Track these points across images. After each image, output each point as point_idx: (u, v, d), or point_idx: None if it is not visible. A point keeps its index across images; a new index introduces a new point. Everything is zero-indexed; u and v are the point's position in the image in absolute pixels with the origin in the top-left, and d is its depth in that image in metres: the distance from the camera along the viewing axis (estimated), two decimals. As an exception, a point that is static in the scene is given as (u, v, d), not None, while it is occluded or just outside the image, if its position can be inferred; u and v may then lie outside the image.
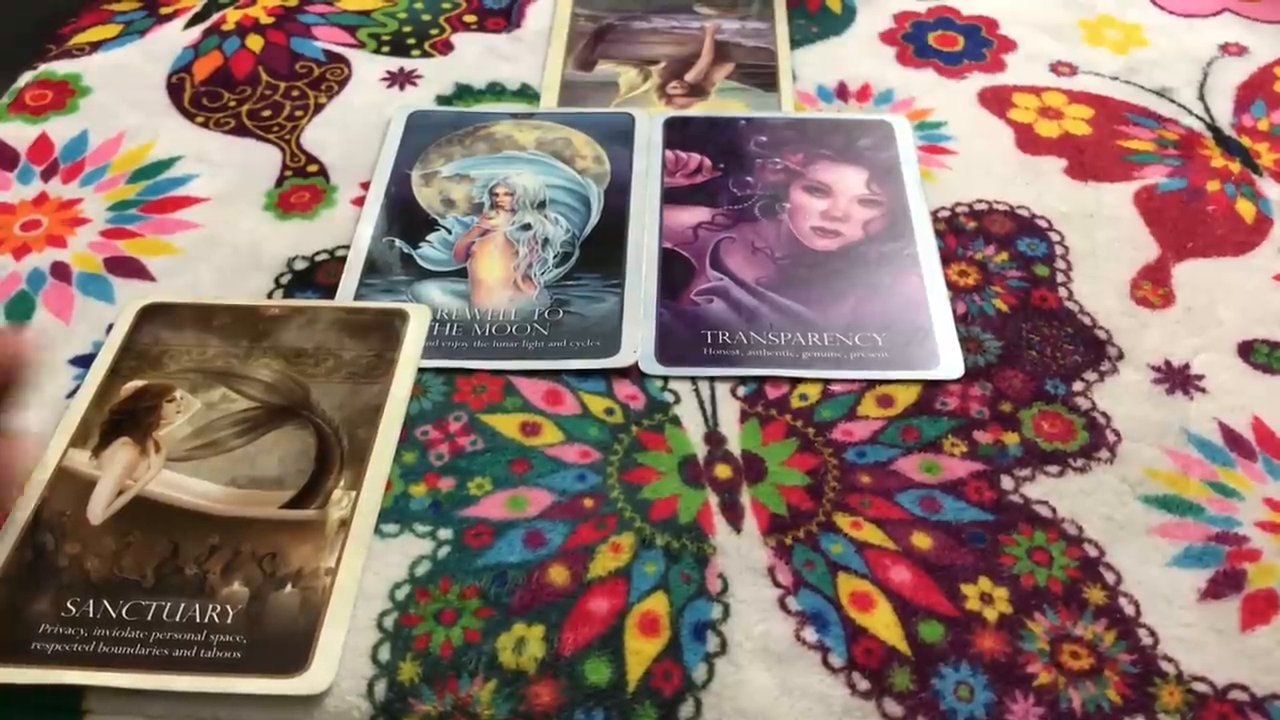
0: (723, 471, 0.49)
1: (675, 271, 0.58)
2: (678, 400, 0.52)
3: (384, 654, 0.43)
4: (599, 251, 0.59)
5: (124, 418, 0.51)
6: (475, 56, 0.73)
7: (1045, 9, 0.76)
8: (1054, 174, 0.64)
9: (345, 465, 0.49)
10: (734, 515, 0.47)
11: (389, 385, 0.52)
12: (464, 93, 0.70)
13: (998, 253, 0.59)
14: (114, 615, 0.43)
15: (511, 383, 0.53)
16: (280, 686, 0.42)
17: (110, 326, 0.55)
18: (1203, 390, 0.52)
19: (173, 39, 0.75)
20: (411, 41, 0.75)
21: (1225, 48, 0.73)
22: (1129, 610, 0.44)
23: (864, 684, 0.42)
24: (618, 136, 0.66)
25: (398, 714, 0.41)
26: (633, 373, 0.53)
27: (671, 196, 0.62)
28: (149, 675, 0.42)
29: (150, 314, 0.56)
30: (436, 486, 0.48)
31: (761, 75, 0.71)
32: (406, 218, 0.61)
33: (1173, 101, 0.68)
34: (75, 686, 0.42)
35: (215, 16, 0.76)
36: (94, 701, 0.42)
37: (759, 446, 0.50)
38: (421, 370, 0.53)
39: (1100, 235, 0.60)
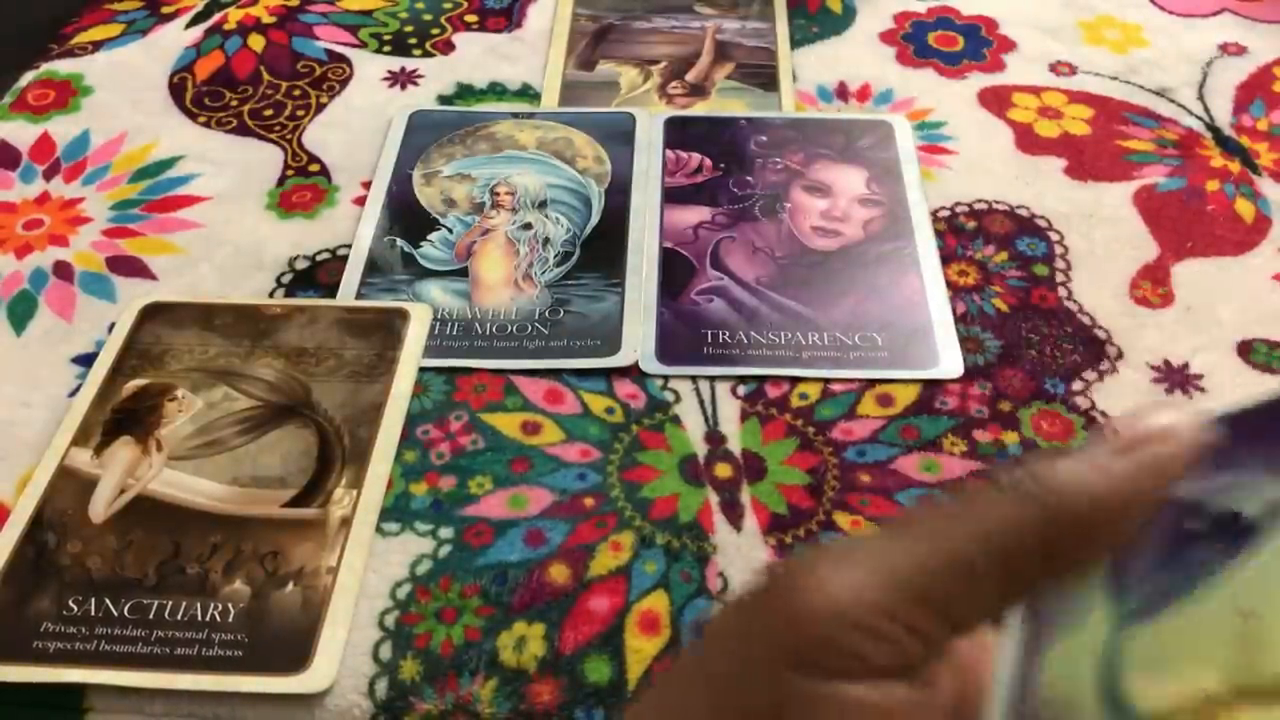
0: (723, 470, 0.49)
1: (675, 271, 0.58)
2: (678, 399, 0.52)
3: (385, 652, 0.43)
4: (599, 251, 0.59)
5: (126, 416, 0.51)
6: (476, 56, 0.74)
7: (1045, 9, 0.76)
8: (1054, 174, 0.64)
9: (346, 464, 0.49)
10: (734, 514, 0.48)
11: (390, 384, 0.52)
12: (465, 92, 0.71)
13: (997, 252, 0.59)
14: (115, 614, 0.44)
15: (512, 382, 0.53)
16: (281, 685, 0.42)
17: (112, 325, 0.55)
18: (1202, 390, 0.52)
19: (174, 38, 0.75)
20: (413, 41, 0.75)
21: (1224, 48, 0.73)
22: (1128, 609, 0.44)
23: (863, 682, 0.42)
24: (618, 136, 0.66)
25: (399, 712, 0.41)
26: (633, 372, 0.53)
27: (672, 196, 0.62)
28: (150, 674, 0.42)
29: (152, 313, 0.56)
30: (437, 485, 0.49)
31: (762, 75, 0.71)
32: (408, 217, 0.61)
33: (1172, 101, 0.69)
34: (77, 685, 0.42)
35: (217, 16, 0.77)
36: (95, 700, 0.42)
37: (759, 445, 0.50)
38: (422, 369, 0.53)
39: (1100, 235, 0.60)
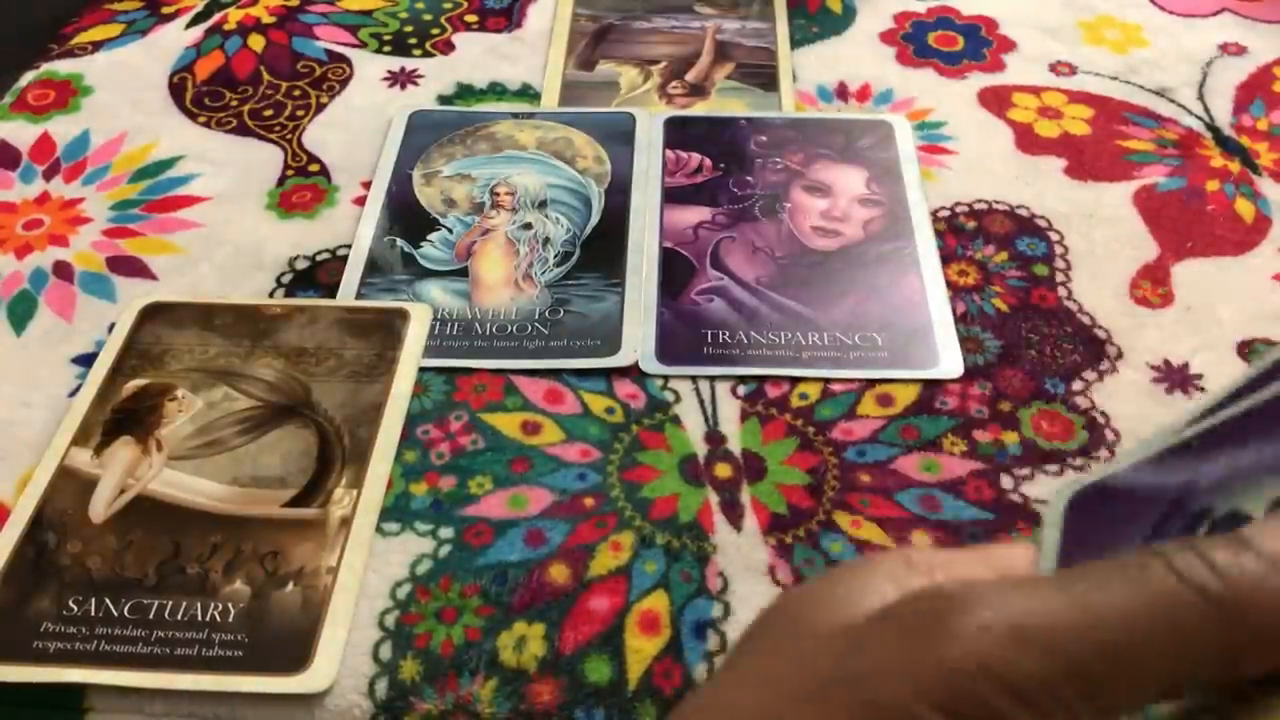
0: (723, 470, 0.49)
1: (675, 271, 0.58)
2: (678, 399, 0.52)
3: (385, 652, 0.43)
4: (599, 251, 0.59)
5: (126, 416, 0.51)
6: (476, 56, 0.74)
7: (1045, 9, 0.76)
8: (1053, 174, 0.64)
9: (346, 464, 0.49)
10: (734, 514, 0.48)
11: (390, 384, 0.52)
12: (465, 92, 0.71)
13: (997, 252, 0.59)
14: (116, 614, 0.44)
15: (512, 382, 0.53)
16: (281, 685, 0.42)
17: (112, 325, 0.55)
18: (1202, 389, 0.52)
19: (174, 38, 0.75)
20: (413, 41, 0.75)
21: (1224, 48, 0.73)
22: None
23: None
24: (618, 136, 0.66)
25: (399, 712, 0.41)
26: (633, 372, 0.53)
27: (672, 196, 0.62)
28: (150, 674, 0.42)
29: (152, 313, 0.56)
30: (437, 485, 0.49)
31: (762, 75, 0.71)
32: (408, 217, 0.61)
33: (1172, 101, 0.69)
34: (77, 685, 0.42)
35: (217, 16, 0.77)
36: (95, 700, 0.42)
37: (759, 445, 0.50)
38: (422, 369, 0.53)
39: (1100, 235, 0.60)
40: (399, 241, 0.60)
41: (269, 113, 0.69)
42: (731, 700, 0.24)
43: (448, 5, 0.78)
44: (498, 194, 0.63)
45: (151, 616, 0.43)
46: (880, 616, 0.22)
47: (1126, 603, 0.19)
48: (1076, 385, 0.52)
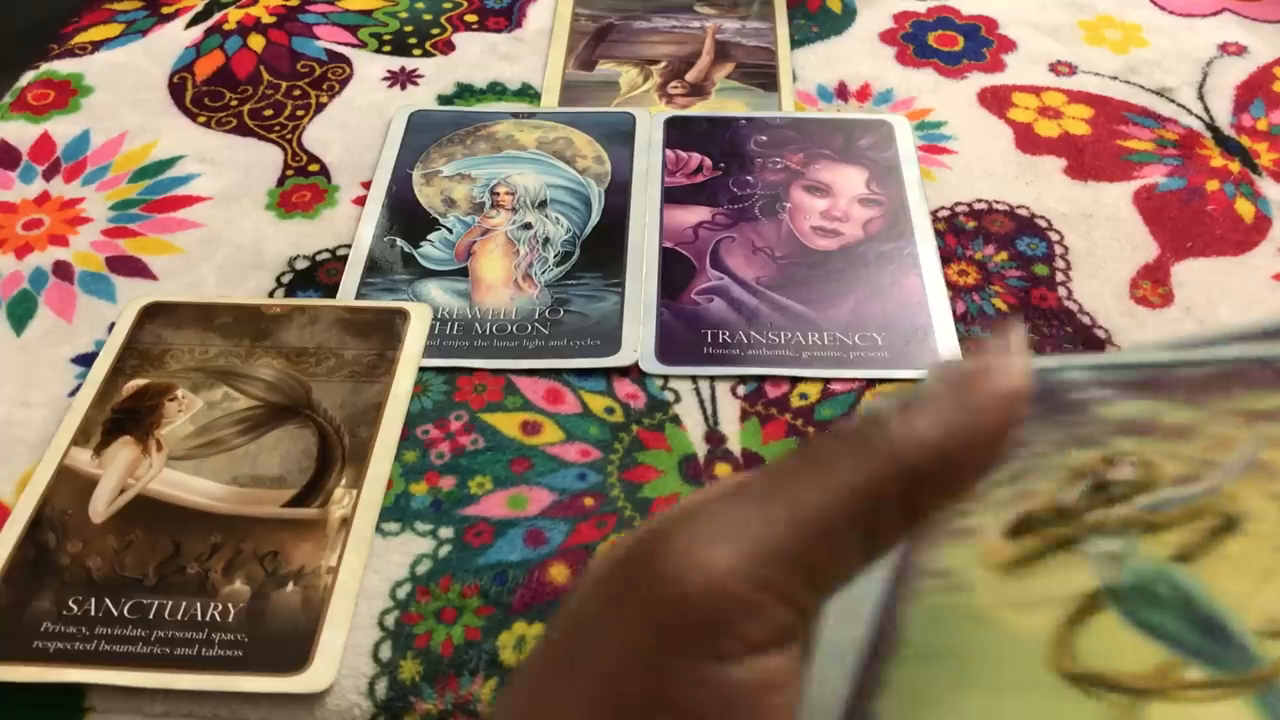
0: (723, 470, 0.49)
1: (675, 271, 0.58)
2: (678, 399, 0.52)
3: (385, 652, 0.43)
4: (599, 251, 0.59)
5: (126, 416, 0.51)
6: (476, 56, 0.74)
7: (1045, 9, 0.76)
8: (1053, 174, 0.64)
9: (346, 464, 0.49)
10: (734, 514, 0.48)
11: (390, 384, 0.52)
12: (465, 92, 0.71)
13: (997, 252, 0.59)
14: (116, 614, 0.44)
15: (512, 382, 0.53)
16: (281, 685, 0.42)
17: (112, 325, 0.55)
18: (1202, 390, 0.52)
19: (174, 38, 0.75)
20: (413, 41, 0.75)
21: (1224, 47, 0.73)
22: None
23: (863, 682, 0.42)
24: (618, 136, 0.66)
25: (399, 712, 0.41)
26: (633, 372, 0.53)
27: (672, 196, 0.62)
28: (150, 673, 0.42)
29: (152, 313, 0.56)
30: (437, 485, 0.49)
31: (762, 75, 0.71)
32: (408, 217, 0.61)
33: (1172, 101, 0.69)
34: (77, 685, 0.42)
35: (217, 16, 0.77)
36: (95, 700, 0.42)
37: (759, 445, 0.50)
38: (422, 369, 0.53)
39: (1099, 235, 0.60)
40: (399, 241, 0.60)
41: (269, 113, 0.69)
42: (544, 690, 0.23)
43: (448, 5, 0.78)
44: (498, 194, 0.63)
45: (151, 616, 0.43)
46: (609, 568, 0.22)
47: (814, 482, 0.21)
48: (1076, 385, 0.52)
